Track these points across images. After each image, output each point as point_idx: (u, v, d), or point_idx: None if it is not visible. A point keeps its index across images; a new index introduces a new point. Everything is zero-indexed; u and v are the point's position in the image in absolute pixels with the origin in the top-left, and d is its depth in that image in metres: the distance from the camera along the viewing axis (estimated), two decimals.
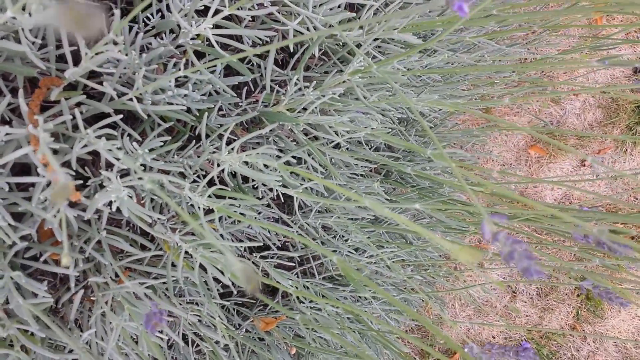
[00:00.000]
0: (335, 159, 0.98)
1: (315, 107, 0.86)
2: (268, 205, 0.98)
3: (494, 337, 2.06)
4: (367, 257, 1.17)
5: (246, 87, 0.91)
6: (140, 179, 0.60)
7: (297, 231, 1.06)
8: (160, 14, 0.77)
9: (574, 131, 1.96)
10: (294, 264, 1.12)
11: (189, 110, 0.80)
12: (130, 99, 0.68)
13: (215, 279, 0.80)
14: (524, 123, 2.09)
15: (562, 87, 1.79)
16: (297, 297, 1.21)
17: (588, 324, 2.07)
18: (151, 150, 0.69)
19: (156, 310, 0.48)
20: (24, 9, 0.53)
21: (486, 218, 0.42)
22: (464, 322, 1.95)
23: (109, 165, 0.69)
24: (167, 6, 0.76)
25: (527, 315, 2.06)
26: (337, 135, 0.92)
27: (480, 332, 2.05)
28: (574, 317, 2.07)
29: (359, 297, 1.26)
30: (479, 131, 1.36)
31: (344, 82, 0.83)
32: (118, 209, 0.81)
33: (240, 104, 0.89)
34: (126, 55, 0.69)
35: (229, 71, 0.92)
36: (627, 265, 0.99)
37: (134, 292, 0.76)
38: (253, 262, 1.04)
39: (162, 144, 0.67)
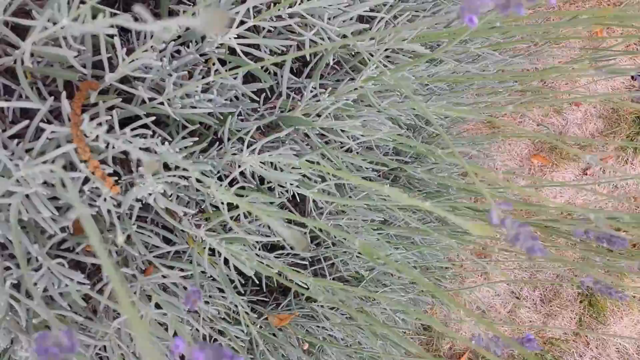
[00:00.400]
0: (347, 162, 1.03)
1: (329, 113, 0.91)
2: (283, 207, 1.03)
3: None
4: (376, 258, 1.21)
5: (264, 94, 0.96)
6: (174, 176, 0.65)
7: (310, 230, 1.11)
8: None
9: (575, 137, 2.01)
10: (305, 263, 1.17)
11: (210, 115, 0.86)
12: (161, 103, 0.73)
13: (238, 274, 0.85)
14: (526, 132, 2.14)
15: (564, 96, 1.84)
16: (308, 297, 1.25)
17: (591, 330, 2.10)
18: (180, 150, 0.74)
19: (195, 289, 0.53)
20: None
21: (493, 205, 0.47)
22: (469, 322, 1.99)
23: (140, 165, 0.74)
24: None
25: (530, 321, 2.10)
26: (350, 139, 0.97)
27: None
28: (577, 323, 2.10)
29: (367, 297, 1.30)
30: (483, 138, 1.40)
31: (356, 89, 0.88)
32: (143, 207, 0.86)
33: (258, 109, 0.94)
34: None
35: (245, 79, 0.97)
36: (626, 265, 1.03)
37: (158, 285, 0.81)
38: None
39: (191, 143, 0.72)
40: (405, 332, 1.73)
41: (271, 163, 0.86)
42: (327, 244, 1.22)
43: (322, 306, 1.19)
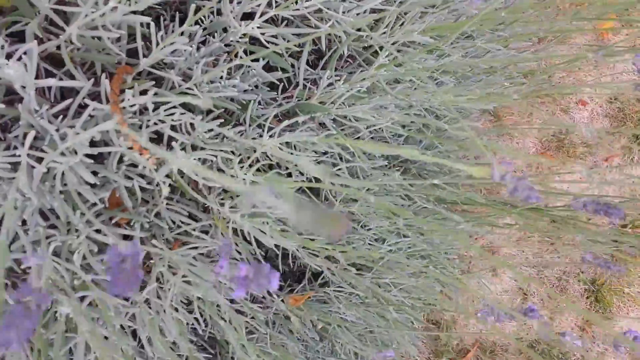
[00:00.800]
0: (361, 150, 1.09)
1: (344, 101, 0.97)
2: (300, 191, 1.09)
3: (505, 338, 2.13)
4: (388, 245, 1.26)
5: (282, 85, 1.02)
6: (204, 154, 0.71)
7: None
8: (210, 17, 0.88)
9: (584, 127, 2.06)
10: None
11: (232, 101, 0.92)
12: (189, 87, 0.79)
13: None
14: (533, 132, 2.19)
15: (570, 97, 1.89)
16: (322, 284, 1.30)
17: (597, 326, 2.13)
18: (207, 131, 0.79)
19: (227, 242, 0.58)
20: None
21: (495, 164, 0.52)
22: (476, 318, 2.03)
23: (169, 143, 0.80)
24: (218, 10, 0.88)
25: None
26: (364, 128, 1.02)
27: (493, 332, 2.12)
28: (583, 319, 2.14)
29: (379, 284, 1.35)
30: (490, 130, 1.46)
31: (368, 77, 0.93)
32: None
33: (277, 98, 1.00)
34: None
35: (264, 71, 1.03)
36: (626, 249, 1.07)
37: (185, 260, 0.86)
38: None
39: (218, 124, 0.77)
40: (414, 325, 1.77)
41: (287, 144, 0.92)
42: None
43: (335, 290, 1.24)
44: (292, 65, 1.04)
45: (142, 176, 0.79)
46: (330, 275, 1.24)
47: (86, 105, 0.78)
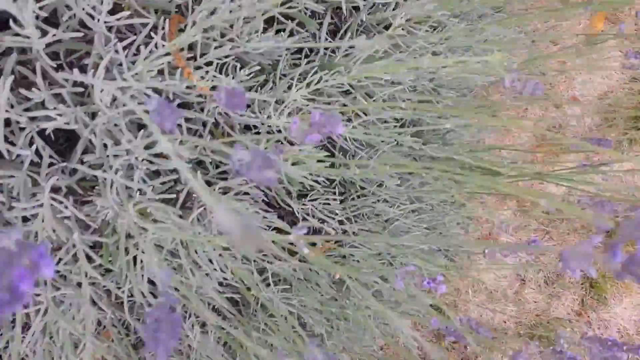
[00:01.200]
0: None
1: (361, 64, 1.08)
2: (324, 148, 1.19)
3: (505, 322, 2.22)
4: (398, 210, 1.36)
5: (304, 51, 1.13)
6: None
7: (340, 182, 1.26)
8: None
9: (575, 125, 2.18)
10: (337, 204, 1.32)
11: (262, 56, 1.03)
12: (231, 38, 0.90)
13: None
14: (528, 127, 2.31)
15: (562, 94, 2.01)
16: (336, 242, 1.39)
17: (592, 311, 2.22)
18: (247, 79, 0.90)
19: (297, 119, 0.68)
20: None
21: (505, 75, 0.62)
22: (475, 303, 2.11)
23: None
24: None
25: (535, 302, 2.22)
26: (378, 92, 1.13)
27: (493, 317, 2.21)
28: (579, 304, 2.23)
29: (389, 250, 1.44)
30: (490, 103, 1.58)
31: (387, 35, 1.05)
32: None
33: (299, 63, 1.11)
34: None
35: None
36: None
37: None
38: (304, 204, 1.23)
39: (258, 69, 0.88)
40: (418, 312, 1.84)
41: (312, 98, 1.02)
42: (352, 197, 1.38)
43: (349, 248, 1.34)
44: (314, 34, 1.15)
45: (189, 120, 0.89)
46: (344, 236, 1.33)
47: (138, 53, 0.89)
